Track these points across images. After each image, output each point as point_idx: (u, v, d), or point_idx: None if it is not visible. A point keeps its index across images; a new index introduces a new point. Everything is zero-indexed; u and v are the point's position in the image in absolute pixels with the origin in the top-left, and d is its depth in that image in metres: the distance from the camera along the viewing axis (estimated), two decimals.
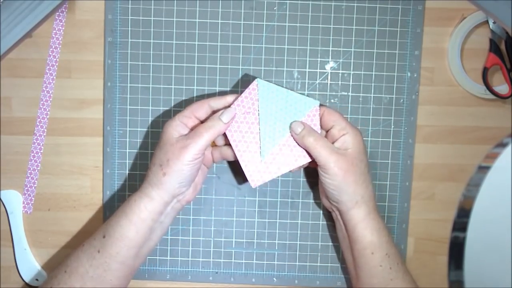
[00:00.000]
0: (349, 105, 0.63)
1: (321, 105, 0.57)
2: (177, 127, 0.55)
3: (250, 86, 0.56)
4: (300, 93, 0.57)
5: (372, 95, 0.63)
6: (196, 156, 0.53)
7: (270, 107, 0.56)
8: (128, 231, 0.55)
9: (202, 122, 0.56)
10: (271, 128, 0.56)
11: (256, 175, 0.57)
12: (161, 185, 0.54)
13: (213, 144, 0.59)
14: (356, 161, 0.54)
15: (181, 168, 0.53)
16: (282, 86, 0.57)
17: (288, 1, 0.62)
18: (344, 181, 0.54)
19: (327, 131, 0.57)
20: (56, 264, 0.65)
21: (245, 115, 0.56)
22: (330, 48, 0.63)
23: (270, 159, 0.57)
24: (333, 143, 0.55)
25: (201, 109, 0.56)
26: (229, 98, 0.57)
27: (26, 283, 0.65)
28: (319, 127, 0.56)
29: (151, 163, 0.56)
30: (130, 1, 0.62)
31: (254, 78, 0.59)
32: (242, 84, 0.63)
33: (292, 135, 0.56)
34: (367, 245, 0.56)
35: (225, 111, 0.55)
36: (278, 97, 0.56)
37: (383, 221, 0.58)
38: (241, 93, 0.56)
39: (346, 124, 0.55)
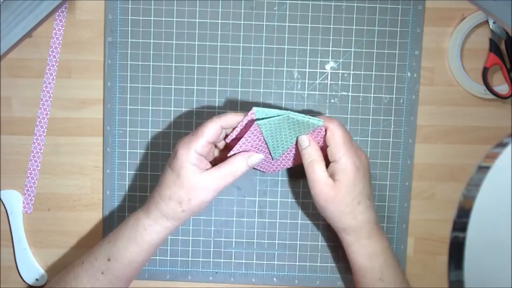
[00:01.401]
0: (349, 105, 0.64)
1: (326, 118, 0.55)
2: (196, 161, 0.52)
3: (249, 114, 0.52)
4: (305, 116, 0.53)
5: (372, 95, 0.63)
6: (217, 192, 0.54)
7: (274, 137, 0.54)
8: (138, 257, 0.55)
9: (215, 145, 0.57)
10: (279, 145, 0.55)
11: (269, 167, 0.59)
12: (179, 219, 0.54)
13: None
14: (342, 194, 0.53)
15: (203, 206, 0.54)
16: (278, 110, 0.53)
17: (288, 1, 0.62)
18: (325, 209, 0.55)
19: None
20: (56, 264, 0.65)
21: (251, 141, 0.54)
22: (330, 48, 0.63)
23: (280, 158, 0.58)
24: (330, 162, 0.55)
25: (215, 134, 0.53)
26: (238, 117, 0.53)
27: (26, 283, 0.65)
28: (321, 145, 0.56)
29: (165, 196, 0.53)
30: (130, 1, 0.62)
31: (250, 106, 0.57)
32: (242, 84, 0.63)
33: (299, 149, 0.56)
34: (357, 267, 0.57)
35: (254, 156, 0.55)
36: (281, 126, 0.53)
37: (382, 243, 0.57)
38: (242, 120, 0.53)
39: (344, 151, 0.53)
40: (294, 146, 0.57)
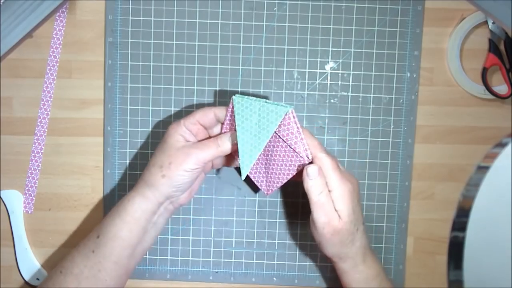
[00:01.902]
0: (349, 105, 0.64)
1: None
2: (183, 133, 0.55)
3: (230, 104, 0.54)
4: (275, 103, 0.53)
5: (371, 95, 0.64)
6: (198, 165, 0.53)
7: (245, 122, 0.54)
8: (121, 231, 0.54)
9: (206, 128, 0.57)
10: (249, 143, 0.54)
11: (265, 183, 0.58)
12: (158, 186, 0.54)
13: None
14: (346, 224, 0.53)
15: (182, 173, 0.53)
16: (258, 98, 0.54)
17: (288, 2, 0.63)
18: (329, 241, 0.54)
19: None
20: (56, 264, 0.65)
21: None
22: (330, 49, 0.63)
23: (271, 168, 0.57)
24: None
25: (206, 117, 0.55)
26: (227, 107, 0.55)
27: (26, 283, 0.65)
28: (296, 133, 0.54)
29: (150, 164, 0.55)
30: (130, 2, 0.62)
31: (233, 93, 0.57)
32: (242, 84, 0.63)
33: (303, 178, 0.54)
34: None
35: (234, 134, 0.55)
36: (252, 111, 0.54)
37: (377, 265, 0.57)
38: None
39: (336, 179, 0.53)
40: (286, 159, 0.56)
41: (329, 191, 0.53)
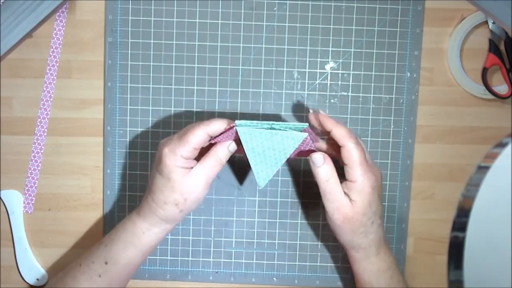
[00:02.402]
0: (349, 105, 0.64)
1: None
2: (183, 164, 0.53)
3: (227, 127, 0.52)
4: (287, 129, 0.52)
5: (371, 95, 0.63)
6: (208, 187, 0.54)
7: (256, 148, 0.52)
8: (135, 259, 0.56)
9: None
10: (263, 163, 0.53)
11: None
12: (177, 219, 0.55)
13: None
14: (358, 215, 0.53)
15: (198, 201, 0.54)
16: (263, 123, 0.52)
17: (288, 2, 0.63)
18: (340, 228, 0.55)
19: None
20: (56, 264, 0.65)
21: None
22: (330, 49, 0.63)
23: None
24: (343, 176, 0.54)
25: (200, 141, 0.52)
26: (222, 124, 0.52)
27: (26, 283, 0.65)
28: (311, 145, 0.53)
29: (160, 201, 0.53)
30: (130, 2, 0.62)
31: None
32: (242, 84, 0.63)
33: (310, 165, 0.54)
34: (364, 283, 0.58)
35: (233, 143, 0.54)
36: (262, 139, 0.52)
37: (389, 258, 0.57)
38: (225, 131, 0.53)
39: (361, 172, 0.53)
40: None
41: (351, 181, 0.53)
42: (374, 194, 0.54)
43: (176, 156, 0.52)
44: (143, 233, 0.55)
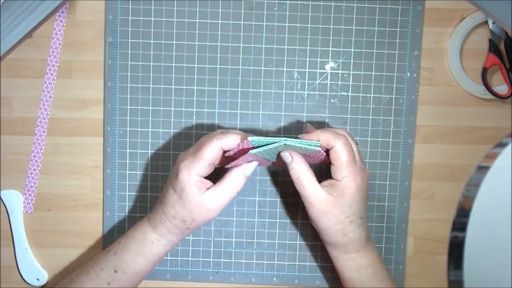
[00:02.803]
0: (349, 105, 0.64)
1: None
2: (198, 183, 0.52)
3: (240, 144, 0.52)
4: (297, 142, 0.52)
5: (371, 95, 0.63)
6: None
7: (270, 153, 0.53)
8: (144, 268, 0.57)
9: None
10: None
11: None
12: (183, 235, 0.56)
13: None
14: (335, 211, 0.53)
15: (206, 222, 0.55)
16: (275, 141, 0.52)
17: (288, 2, 0.63)
18: (316, 223, 0.55)
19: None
20: (56, 264, 0.65)
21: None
22: (330, 49, 0.63)
23: None
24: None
25: (214, 156, 0.52)
26: (236, 139, 0.53)
27: (26, 283, 0.65)
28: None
29: (169, 215, 0.54)
30: (130, 2, 0.62)
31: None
32: (242, 84, 0.63)
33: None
34: (345, 278, 0.58)
35: (249, 166, 0.54)
36: (276, 148, 0.52)
37: (372, 255, 0.57)
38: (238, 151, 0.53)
39: (347, 174, 0.53)
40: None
41: (335, 179, 0.53)
42: (356, 195, 0.53)
43: (190, 173, 0.52)
44: (152, 243, 0.56)
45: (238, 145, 0.52)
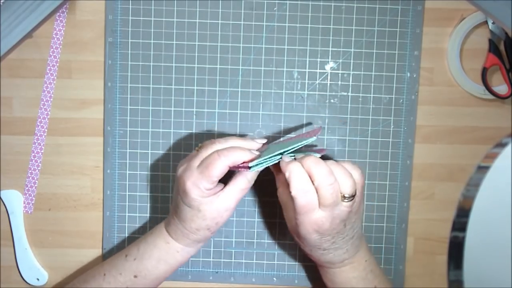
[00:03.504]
0: (349, 105, 0.64)
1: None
2: (208, 194, 0.53)
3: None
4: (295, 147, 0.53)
5: (371, 95, 0.64)
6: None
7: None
8: (167, 273, 0.57)
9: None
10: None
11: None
12: (209, 237, 0.56)
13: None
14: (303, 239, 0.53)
15: (228, 218, 0.55)
16: (275, 156, 0.52)
17: (288, 2, 0.63)
18: (298, 242, 0.55)
19: None
20: (56, 264, 0.65)
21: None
22: (330, 49, 0.63)
23: None
24: None
25: (222, 174, 0.52)
26: (243, 155, 0.52)
27: (26, 283, 0.65)
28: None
29: (192, 229, 0.54)
30: (130, 2, 0.62)
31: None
32: (242, 84, 0.63)
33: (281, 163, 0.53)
34: (336, 285, 0.58)
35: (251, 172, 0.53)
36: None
37: (367, 265, 0.57)
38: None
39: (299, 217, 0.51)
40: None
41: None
42: (313, 235, 0.52)
43: (200, 189, 0.52)
44: (177, 252, 0.56)
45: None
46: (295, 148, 0.53)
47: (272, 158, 0.52)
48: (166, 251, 0.56)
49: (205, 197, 0.52)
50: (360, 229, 0.55)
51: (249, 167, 0.50)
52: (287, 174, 0.50)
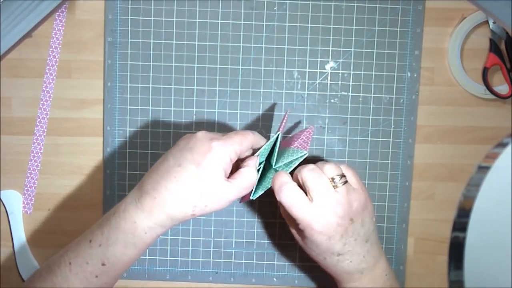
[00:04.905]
0: (349, 105, 0.64)
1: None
2: (226, 166, 0.48)
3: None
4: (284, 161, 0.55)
5: (372, 95, 0.63)
6: None
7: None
8: (136, 256, 0.51)
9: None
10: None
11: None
12: (184, 220, 0.50)
13: None
14: (306, 246, 0.54)
15: (212, 212, 0.50)
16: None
17: (288, 1, 0.62)
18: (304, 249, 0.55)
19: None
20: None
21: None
22: (330, 48, 0.63)
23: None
24: None
25: (245, 149, 0.51)
26: (263, 141, 0.53)
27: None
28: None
29: (179, 198, 0.47)
30: (130, 1, 0.62)
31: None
32: (242, 84, 0.63)
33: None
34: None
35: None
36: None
37: (387, 280, 0.55)
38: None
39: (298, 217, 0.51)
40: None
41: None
42: (318, 237, 0.51)
43: (225, 154, 0.48)
44: (145, 233, 0.49)
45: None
46: (287, 162, 0.55)
47: (267, 180, 0.54)
48: (132, 233, 0.48)
49: (221, 167, 0.48)
50: (374, 234, 0.54)
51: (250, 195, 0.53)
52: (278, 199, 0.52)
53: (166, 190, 0.47)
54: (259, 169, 0.53)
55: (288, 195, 0.51)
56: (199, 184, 0.47)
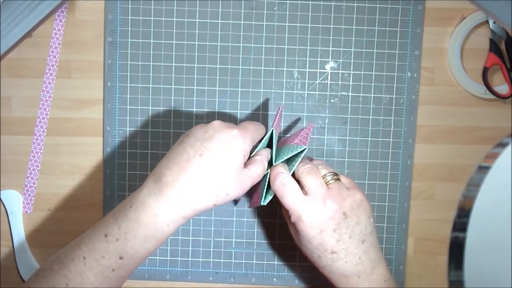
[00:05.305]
0: (349, 105, 0.64)
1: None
2: (246, 155, 0.49)
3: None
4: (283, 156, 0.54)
5: (372, 95, 0.63)
6: None
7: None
8: (154, 248, 0.49)
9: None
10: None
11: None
12: (207, 210, 0.49)
13: None
14: (300, 244, 0.53)
15: (231, 200, 0.50)
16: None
17: (288, 1, 0.62)
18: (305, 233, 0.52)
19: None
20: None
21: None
22: (330, 48, 0.63)
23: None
24: None
25: (257, 138, 0.53)
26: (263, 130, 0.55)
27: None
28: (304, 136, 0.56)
29: (202, 189, 0.47)
30: (130, 1, 0.62)
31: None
32: (242, 84, 0.63)
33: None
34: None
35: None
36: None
37: (386, 286, 0.53)
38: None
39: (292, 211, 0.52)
40: None
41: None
42: (310, 232, 0.51)
43: (245, 143, 0.49)
44: (167, 226, 0.47)
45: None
46: (287, 159, 0.55)
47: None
48: (154, 227, 0.47)
49: (241, 156, 0.48)
50: (372, 236, 0.53)
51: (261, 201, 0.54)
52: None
53: (190, 182, 0.47)
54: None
55: (281, 184, 0.52)
56: (223, 173, 0.47)
